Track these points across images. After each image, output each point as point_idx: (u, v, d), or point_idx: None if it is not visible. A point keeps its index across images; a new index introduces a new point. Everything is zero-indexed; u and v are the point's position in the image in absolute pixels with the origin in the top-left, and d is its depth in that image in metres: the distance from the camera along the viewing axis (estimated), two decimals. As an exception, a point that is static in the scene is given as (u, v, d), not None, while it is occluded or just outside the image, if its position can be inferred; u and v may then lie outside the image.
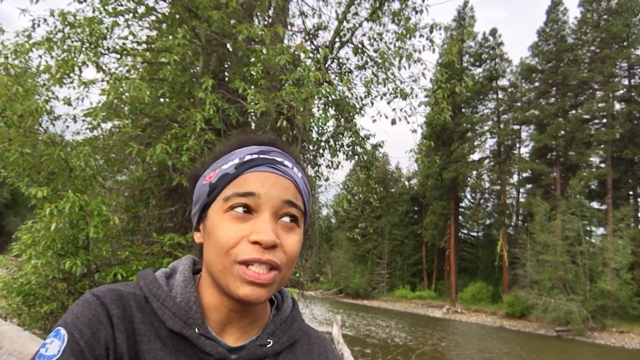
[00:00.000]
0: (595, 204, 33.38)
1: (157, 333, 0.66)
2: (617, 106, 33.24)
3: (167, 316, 0.66)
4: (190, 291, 0.70)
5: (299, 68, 4.99)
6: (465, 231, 47.74)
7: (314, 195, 7.30)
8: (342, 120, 6.77)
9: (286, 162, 0.71)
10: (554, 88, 35.56)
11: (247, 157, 0.69)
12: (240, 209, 0.65)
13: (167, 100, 5.29)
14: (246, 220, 0.65)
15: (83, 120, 5.47)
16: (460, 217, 43.72)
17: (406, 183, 52.47)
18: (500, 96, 40.44)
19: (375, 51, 7.04)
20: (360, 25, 7.07)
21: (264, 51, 4.82)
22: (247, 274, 0.63)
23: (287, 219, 0.68)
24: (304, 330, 0.79)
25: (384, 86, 7.03)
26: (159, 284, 0.70)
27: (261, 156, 0.70)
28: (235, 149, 0.73)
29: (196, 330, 0.66)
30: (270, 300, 0.79)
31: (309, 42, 7.40)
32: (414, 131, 7.09)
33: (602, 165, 33.28)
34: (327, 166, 7.20)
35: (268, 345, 0.71)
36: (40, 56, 5.26)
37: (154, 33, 6.05)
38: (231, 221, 0.65)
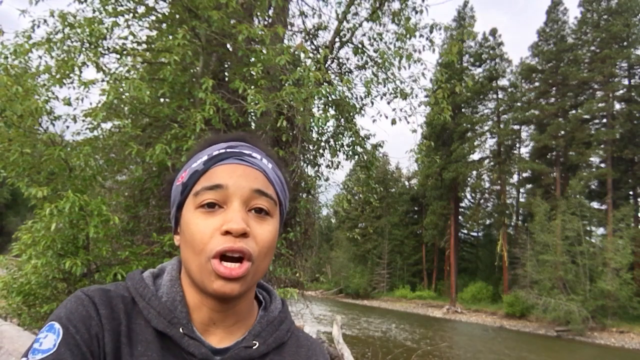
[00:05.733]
0: (595, 204, 33.35)
1: (142, 333, 0.65)
2: (617, 106, 33.19)
3: (152, 315, 0.66)
4: (176, 291, 0.70)
5: (299, 68, 4.99)
6: (465, 231, 47.68)
7: (314, 195, 7.30)
8: (342, 120, 6.77)
9: (254, 154, 0.72)
10: (554, 88, 35.52)
11: (215, 153, 0.71)
12: (206, 207, 0.66)
13: (167, 100, 5.29)
14: (217, 213, 0.66)
15: (83, 121, 5.48)
16: (460, 217, 43.67)
17: (406, 183, 52.45)
18: (500, 96, 40.40)
19: (375, 51, 7.05)
20: (360, 25, 7.08)
21: (264, 51, 4.82)
22: (220, 270, 0.63)
23: (257, 209, 0.68)
24: (292, 332, 0.77)
25: (384, 86, 7.04)
26: (145, 283, 0.70)
27: (228, 150, 0.71)
28: (206, 148, 0.74)
29: (180, 330, 0.66)
30: (258, 301, 0.79)
31: (309, 42, 7.40)
32: (414, 131, 7.10)
33: (602, 165, 33.23)
34: (327, 166, 7.20)
35: (254, 347, 0.69)
36: (40, 56, 5.27)
37: (154, 33, 6.05)
38: (202, 217, 0.66)
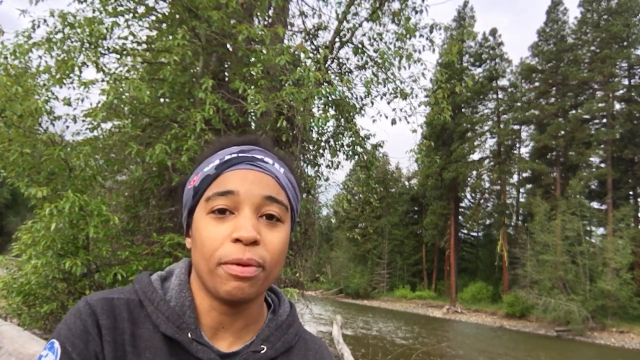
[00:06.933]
0: (595, 204, 33.38)
1: (150, 339, 0.65)
2: (617, 106, 33.20)
3: (160, 320, 0.66)
4: (185, 295, 0.69)
5: (299, 68, 5.00)
6: (465, 231, 47.70)
7: (314, 195, 7.30)
8: (342, 120, 6.77)
9: (266, 159, 0.71)
10: (554, 88, 35.54)
11: (227, 157, 0.70)
12: (217, 212, 0.66)
13: (167, 100, 5.30)
14: (228, 219, 0.66)
15: (83, 121, 5.48)
16: (460, 217, 43.68)
17: (406, 183, 52.47)
18: (500, 96, 40.42)
19: (375, 51, 7.05)
20: (360, 25, 7.08)
21: (264, 51, 4.82)
22: (231, 269, 0.62)
23: (268, 215, 0.67)
24: (300, 335, 0.78)
25: (384, 86, 7.05)
26: (153, 287, 0.70)
27: (240, 155, 0.71)
28: (217, 151, 0.73)
29: (189, 335, 0.66)
30: (267, 304, 0.79)
31: (309, 42, 7.40)
32: (414, 131, 7.11)
33: (602, 165, 33.25)
34: (327, 166, 7.21)
35: (262, 352, 0.69)
36: (40, 56, 5.26)
37: (154, 33, 6.05)
38: (213, 222, 0.66)
